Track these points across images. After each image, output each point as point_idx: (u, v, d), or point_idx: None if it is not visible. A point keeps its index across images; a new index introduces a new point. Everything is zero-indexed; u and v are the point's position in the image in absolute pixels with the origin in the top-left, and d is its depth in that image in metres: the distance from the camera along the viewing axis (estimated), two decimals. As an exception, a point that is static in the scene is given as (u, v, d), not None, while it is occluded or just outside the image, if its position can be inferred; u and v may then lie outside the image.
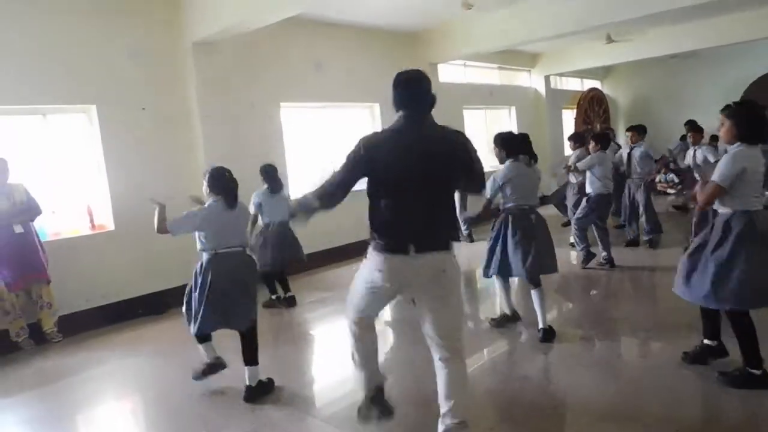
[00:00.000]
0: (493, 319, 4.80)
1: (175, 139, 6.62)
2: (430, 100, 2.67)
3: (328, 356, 4.70)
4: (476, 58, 11.33)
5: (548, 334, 4.28)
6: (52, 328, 5.45)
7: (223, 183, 3.70)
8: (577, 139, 7.73)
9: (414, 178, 2.53)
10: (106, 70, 6.05)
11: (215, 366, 3.90)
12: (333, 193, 2.61)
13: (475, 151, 2.73)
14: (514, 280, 5.08)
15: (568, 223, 7.96)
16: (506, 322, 4.75)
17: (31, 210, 5.29)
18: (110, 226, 6.16)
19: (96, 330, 5.63)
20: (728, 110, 3.26)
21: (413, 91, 2.66)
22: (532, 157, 4.56)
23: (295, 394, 3.79)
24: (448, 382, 2.62)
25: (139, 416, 3.88)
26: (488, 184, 4.22)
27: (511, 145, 4.50)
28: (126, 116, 6.20)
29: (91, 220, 6.24)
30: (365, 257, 2.73)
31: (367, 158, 2.55)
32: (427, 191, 2.56)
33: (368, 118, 9.38)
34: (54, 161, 6.00)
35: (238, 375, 3.80)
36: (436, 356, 2.67)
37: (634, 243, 7.46)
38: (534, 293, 4.33)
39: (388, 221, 2.58)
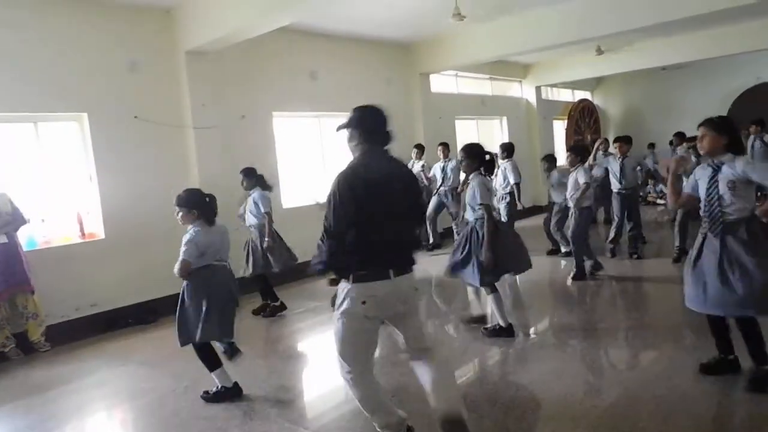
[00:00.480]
0: (485, 328, 4.79)
1: (168, 148, 6.61)
2: (391, 136, 2.86)
3: (319, 366, 4.68)
4: (468, 69, 11.41)
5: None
6: (39, 338, 5.40)
7: (201, 202, 3.77)
8: (578, 152, 7.26)
9: (389, 209, 2.70)
10: (98, 79, 6.05)
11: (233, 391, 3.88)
12: (341, 232, 2.66)
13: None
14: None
15: (553, 251, 8.01)
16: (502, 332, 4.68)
17: (15, 220, 5.25)
18: (101, 234, 6.12)
19: (86, 339, 5.59)
20: (710, 123, 3.37)
21: (380, 127, 2.82)
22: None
23: (286, 405, 3.78)
24: (437, 374, 2.84)
25: (129, 427, 3.84)
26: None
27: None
28: (118, 125, 6.19)
29: (81, 229, 6.20)
30: (337, 306, 2.75)
31: (351, 193, 2.64)
32: (399, 219, 2.76)
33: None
34: (45, 169, 5.96)
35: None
36: (419, 357, 2.89)
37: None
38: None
39: (371, 252, 2.68)
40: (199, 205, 3.74)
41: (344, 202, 2.64)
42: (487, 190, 4.44)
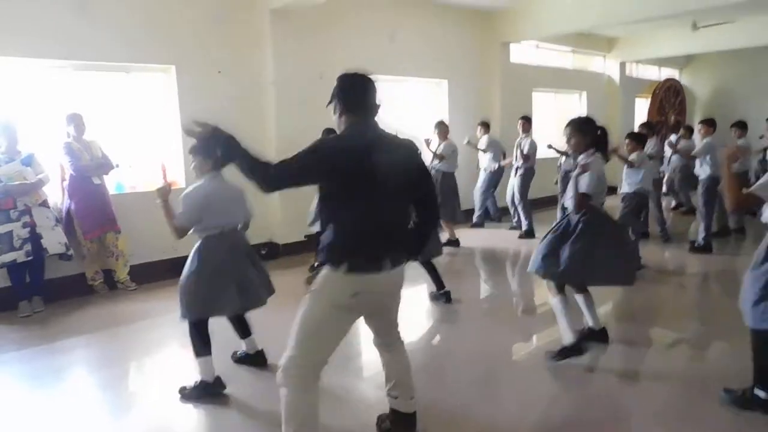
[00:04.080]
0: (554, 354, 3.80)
1: (248, 104, 6.82)
2: (379, 105, 2.49)
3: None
4: (550, 40, 11.00)
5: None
6: (125, 278, 5.78)
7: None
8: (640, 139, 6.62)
9: (382, 187, 2.33)
10: (187, 32, 6.26)
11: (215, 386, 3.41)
12: (281, 182, 2.36)
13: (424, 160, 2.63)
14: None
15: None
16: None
17: (106, 164, 5.59)
18: (182, 183, 6.40)
19: (167, 280, 5.89)
20: None
21: (366, 93, 2.44)
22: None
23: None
24: (399, 365, 2.76)
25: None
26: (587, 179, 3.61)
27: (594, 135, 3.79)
28: (203, 78, 6.41)
29: (164, 177, 6.47)
30: (316, 287, 2.40)
31: (329, 167, 2.29)
32: (394, 200, 2.42)
33: (435, 93, 9.31)
34: (134, 118, 6.27)
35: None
36: (383, 345, 2.77)
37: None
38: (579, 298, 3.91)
39: (362, 236, 2.34)
40: (214, 154, 3.12)
41: (305, 166, 2.30)
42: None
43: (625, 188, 6.10)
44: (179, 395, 3.36)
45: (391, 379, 2.77)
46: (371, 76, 2.48)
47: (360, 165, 2.29)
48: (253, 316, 3.72)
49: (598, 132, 3.76)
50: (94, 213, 5.44)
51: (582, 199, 3.56)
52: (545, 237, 3.77)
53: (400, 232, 2.49)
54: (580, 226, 3.60)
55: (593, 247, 3.53)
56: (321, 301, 2.37)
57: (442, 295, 5.08)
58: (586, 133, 3.71)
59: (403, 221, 2.52)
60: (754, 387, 2.98)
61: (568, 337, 3.69)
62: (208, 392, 3.33)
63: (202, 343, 3.33)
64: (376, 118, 2.48)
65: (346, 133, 2.44)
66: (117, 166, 5.77)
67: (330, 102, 2.48)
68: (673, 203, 10.10)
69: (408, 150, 2.53)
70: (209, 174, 3.29)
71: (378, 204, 2.34)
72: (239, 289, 3.28)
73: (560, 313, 3.71)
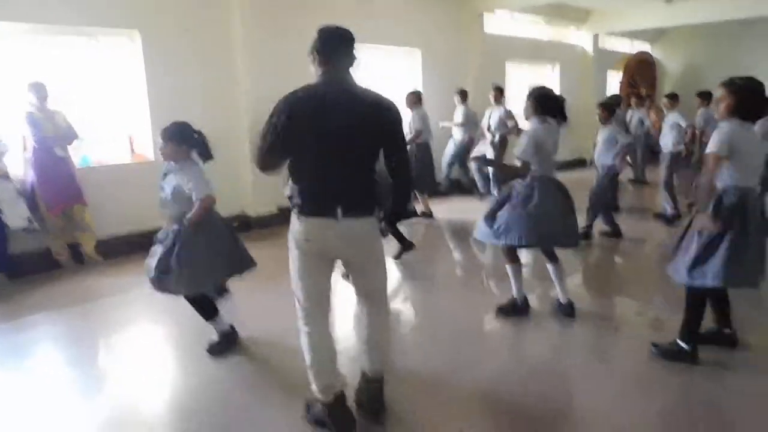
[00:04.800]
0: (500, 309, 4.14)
1: (217, 66, 6.65)
2: (354, 58, 2.52)
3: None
4: (525, 10, 10.92)
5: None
6: (92, 252, 5.64)
7: (191, 137, 3.42)
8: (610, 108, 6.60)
9: (340, 137, 2.39)
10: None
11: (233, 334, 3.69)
12: (264, 161, 2.48)
13: (401, 121, 2.59)
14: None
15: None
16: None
17: (69, 135, 5.38)
18: (150, 156, 6.23)
19: (134, 255, 5.77)
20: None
21: (339, 46, 2.48)
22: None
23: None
24: (371, 330, 2.74)
25: (172, 339, 4.01)
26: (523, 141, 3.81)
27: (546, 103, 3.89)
28: (169, 42, 6.20)
29: (132, 149, 6.33)
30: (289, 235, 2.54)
31: (286, 117, 2.36)
32: (354, 152, 2.45)
33: (409, 63, 9.19)
34: (98, 87, 6.04)
35: (257, 319, 3.87)
36: (363, 309, 2.76)
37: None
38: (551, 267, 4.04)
39: (315, 183, 2.46)
40: (189, 140, 3.39)
41: (279, 129, 2.36)
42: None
43: (608, 161, 6.14)
44: (210, 354, 3.51)
45: (363, 341, 2.77)
46: (349, 32, 2.53)
47: (313, 113, 2.37)
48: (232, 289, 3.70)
49: (553, 100, 3.88)
50: (57, 186, 5.26)
51: (521, 165, 3.78)
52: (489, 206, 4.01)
53: (356, 184, 2.50)
54: (517, 191, 3.82)
55: (532, 211, 3.71)
56: (290, 244, 2.57)
57: (407, 247, 5.35)
58: (530, 101, 3.88)
59: (360, 175, 2.52)
60: (677, 339, 3.29)
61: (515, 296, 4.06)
62: (231, 340, 3.60)
63: (209, 308, 3.55)
64: (352, 75, 2.51)
65: (311, 84, 2.47)
66: (78, 137, 5.53)
67: (309, 53, 2.52)
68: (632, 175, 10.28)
69: (377, 108, 2.50)
70: (184, 160, 3.41)
71: (328, 153, 2.42)
72: (230, 260, 3.52)
73: (512, 278, 4.03)
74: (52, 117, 5.28)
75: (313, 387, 2.61)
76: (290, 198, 2.52)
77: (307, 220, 2.47)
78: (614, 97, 8.05)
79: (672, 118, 7.23)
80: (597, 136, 6.36)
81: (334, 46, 2.47)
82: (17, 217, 4.95)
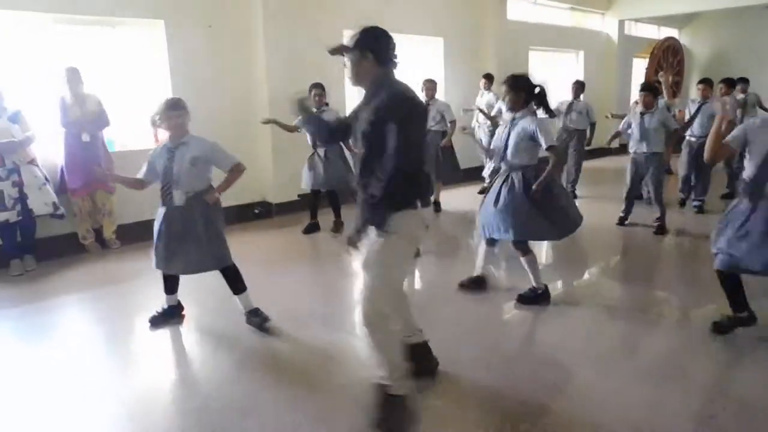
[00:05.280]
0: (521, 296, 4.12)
1: (238, 59, 6.71)
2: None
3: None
4: (549, -4, 10.77)
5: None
6: (111, 236, 5.76)
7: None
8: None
9: (422, 133, 2.70)
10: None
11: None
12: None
13: None
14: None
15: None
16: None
17: (100, 120, 5.48)
18: (172, 142, 6.31)
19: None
20: None
21: (393, 50, 2.57)
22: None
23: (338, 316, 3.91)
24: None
25: (192, 319, 4.08)
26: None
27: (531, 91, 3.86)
28: (192, 33, 6.26)
29: (155, 135, 6.41)
30: (390, 228, 2.43)
31: (420, 118, 2.61)
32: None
33: (431, 51, 9.12)
34: (123, 74, 6.13)
35: (280, 300, 3.92)
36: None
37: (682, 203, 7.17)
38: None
39: (425, 175, 2.62)
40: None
41: (417, 127, 2.52)
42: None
43: (659, 148, 5.91)
44: (259, 329, 3.62)
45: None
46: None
47: (424, 109, 2.67)
48: (249, 274, 3.76)
49: (536, 90, 3.83)
50: (81, 170, 5.34)
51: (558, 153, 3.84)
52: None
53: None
54: (504, 185, 3.88)
55: (516, 205, 3.77)
56: (398, 239, 2.47)
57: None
58: (520, 91, 3.80)
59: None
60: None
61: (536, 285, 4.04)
62: (262, 316, 3.68)
63: (241, 279, 3.68)
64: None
65: (400, 86, 2.53)
66: (110, 124, 5.63)
67: (354, 50, 2.49)
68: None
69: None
70: (189, 134, 3.62)
71: (424, 145, 2.69)
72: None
73: (529, 269, 4.03)
74: (84, 102, 5.38)
75: (390, 377, 2.49)
76: (395, 193, 2.40)
77: (422, 210, 2.56)
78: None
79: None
80: (630, 123, 6.06)
81: (392, 46, 2.56)
82: (41, 203, 5.03)
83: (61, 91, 5.33)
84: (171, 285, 3.80)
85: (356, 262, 2.57)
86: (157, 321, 3.81)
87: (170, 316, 3.85)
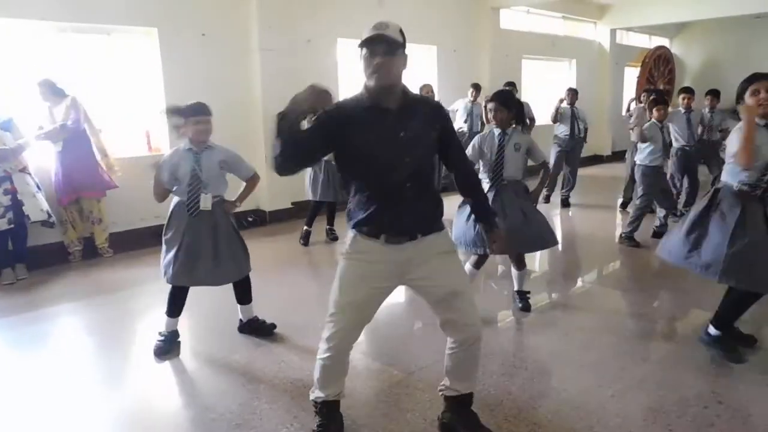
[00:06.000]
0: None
1: (233, 68, 6.70)
2: None
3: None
4: (540, 5, 10.84)
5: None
6: (103, 243, 5.70)
7: None
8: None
9: None
10: (170, -7, 6.06)
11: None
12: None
13: None
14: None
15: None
16: None
17: (64, 129, 5.24)
18: (166, 149, 6.28)
19: (148, 248, 5.85)
20: None
21: None
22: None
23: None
24: None
25: (188, 330, 4.05)
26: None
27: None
28: (186, 42, 6.26)
29: (149, 143, 6.40)
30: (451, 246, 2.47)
31: None
32: None
33: (425, 60, 9.17)
34: (116, 82, 6.12)
35: (278, 309, 3.90)
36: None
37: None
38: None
39: None
40: None
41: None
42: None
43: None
44: (260, 336, 3.65)
45: None
46: None
47: None
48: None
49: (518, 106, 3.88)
50: (63, 179, 5.30)
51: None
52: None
53: None
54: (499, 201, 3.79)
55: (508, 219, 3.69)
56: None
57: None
58: (511, 108, 3.75)
59: None
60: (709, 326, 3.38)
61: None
62: (265, 323, 3.72)
63: (250, 289, 3.67)
64: None
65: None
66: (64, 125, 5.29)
67: (403, 47, 2.19)
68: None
69: None
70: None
71: None
72: None
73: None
74: (51, 113, 5.29)
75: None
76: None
77: None
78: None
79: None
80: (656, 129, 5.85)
81: None
82: (37, 210, 5.01)
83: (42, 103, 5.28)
84: (180, 305, 3.48)
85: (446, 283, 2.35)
86: (162, 351, 3.47)
87: (172, 342, 3.54)
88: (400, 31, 2.19)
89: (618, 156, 11.66)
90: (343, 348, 2.37)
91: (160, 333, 3.52)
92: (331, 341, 2.34)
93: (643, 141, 5.70)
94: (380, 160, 2.19)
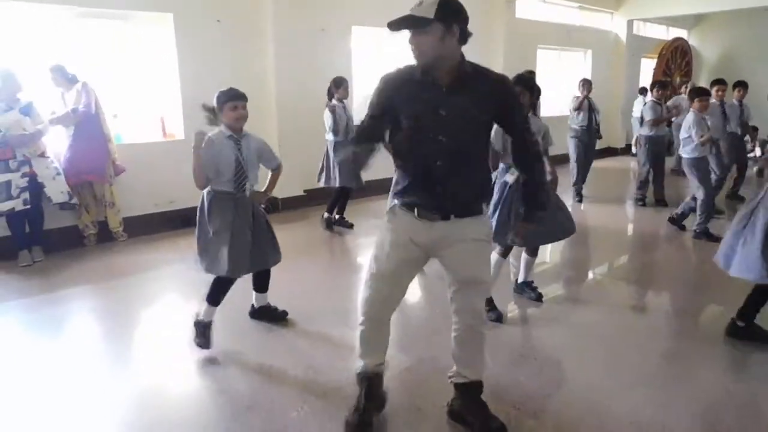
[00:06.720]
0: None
1: (248, 55, 6.71)
2: None
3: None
4: (557, -5, 10.74)
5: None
6: (117, 228, 5.76)
7: None
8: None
9: None
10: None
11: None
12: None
13: None
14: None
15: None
16: None
17: (75, 113, 5.27)
18: (180, 135, 6.34)
19: (162, 233, 5.93)
20: None
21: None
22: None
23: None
24: None
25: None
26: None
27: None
28: (201, 28, 6.27)
29: (163, 128, 6.45)
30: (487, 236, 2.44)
31: None
32: None
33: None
34: (132, 67, 6.16)
35: (290, 296, 3.94)
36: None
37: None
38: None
39: None
40: None
41: None
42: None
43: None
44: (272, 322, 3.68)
45: None
46: None
47: None
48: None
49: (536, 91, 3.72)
50: (70, 161, 5.34)
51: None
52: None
53: None
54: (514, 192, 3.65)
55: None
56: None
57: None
58: (533, 92, 3.62)
59: None
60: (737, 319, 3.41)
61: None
62: (277, 310, 3.76)
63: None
64: None
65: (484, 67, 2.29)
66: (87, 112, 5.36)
67: (437, 22, 2.10)
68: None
69: None
70: None
71: None
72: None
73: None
74: (63, 97, 5.36)
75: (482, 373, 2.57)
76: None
77: None
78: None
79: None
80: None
81: (467, 22, 2.22)
82: (58, 192, 5.10)
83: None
84: (225, 293, 3.37)
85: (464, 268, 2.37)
86: (206, 341, 3.31)
87: (211, 330, 3.37)
88: (440, 3, 2.09)
89: (629, 149, 11.62)
90: (377, 317, 2.45)
91: (199, 323, 3.32)
92: (364, 308, 2.44)
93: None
94: (415, 136, 2.19)
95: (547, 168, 3.93)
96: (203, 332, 3.31)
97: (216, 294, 3.33)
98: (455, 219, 2.28)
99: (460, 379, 2.55)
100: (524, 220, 2.62)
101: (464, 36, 2.18)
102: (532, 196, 2.55)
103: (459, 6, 2.18)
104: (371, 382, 2.54)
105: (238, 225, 3.24)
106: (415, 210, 2.30)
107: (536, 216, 2.56)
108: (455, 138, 2.19)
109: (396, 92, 2.24)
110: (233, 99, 3.24)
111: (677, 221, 6.11)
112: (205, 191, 3.31)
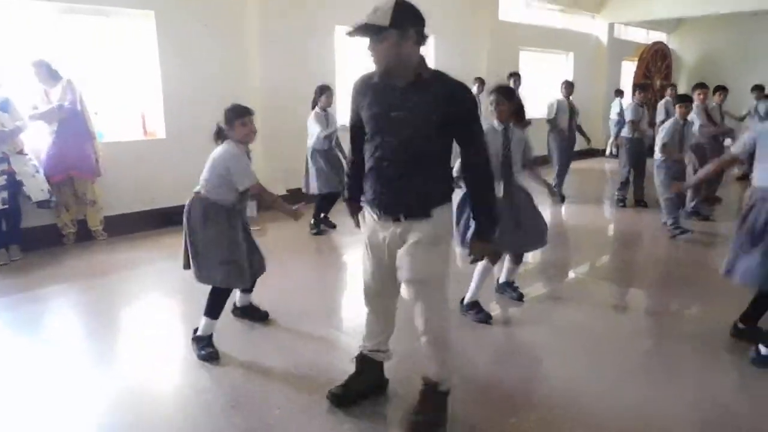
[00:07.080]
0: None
1: (231, 56, 6.66)
2: None
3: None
4: (540, -3, 10.85)
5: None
6: (97, 226, 5.68)
7: None
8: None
9: None
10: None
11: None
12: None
13: None
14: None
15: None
16: None
17: (61, 109, 5.20)
18: (161, 134, 6.28)
19: (143, 232, 5.87)
20: None
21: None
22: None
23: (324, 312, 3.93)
24: None
25: (180, 315, 4.08)
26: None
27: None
28: (183, 26, 6.22)
29: (144, 126, 6.39)
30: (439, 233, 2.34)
31: None
32: None
33: (422, 49, 9.11)
34: (113, 64, 6.08)
35: (273, 295, 3.93)
36: None
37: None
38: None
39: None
40: None
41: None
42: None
43: None
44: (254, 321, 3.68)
45: None
46: None
47: None
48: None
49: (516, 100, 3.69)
50: (54, 157, 5.25)
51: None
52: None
53: None
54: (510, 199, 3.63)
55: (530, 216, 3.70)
56: (449, 235, 2.50)
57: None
58: (512, 100, 3.58)
59: None
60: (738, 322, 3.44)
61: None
62: (260, 311, 3.75)
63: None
64: None
65: (443, 73, 2.27)
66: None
67: (392, 28, 2.09)
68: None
69: None
70: None
71: None
72: None
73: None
74: (46, 93, 5.26)
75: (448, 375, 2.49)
76: (448, 192, 2.41)
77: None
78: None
79: None
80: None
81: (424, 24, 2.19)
82: (38, 190, 5.03)
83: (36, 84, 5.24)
84: (224, 305, 3.35)
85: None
86: (213, 352, 3.22)
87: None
88: (394, 9, 2.09)
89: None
90: (373, 309, 2.61)
91: (201, 338, 3.26)
92: (364, 299, 2.61)
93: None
94: (369, 136, 2.31)
95: (538, 177, 3.95)
96: (208, 344, 3.24)
97: (216, 307, 3.27)
98: (405, 220, 2.31)
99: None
100: (476, 238, 2.48)
101: (421, 38, 2.20)
102: (477, 211, 2.47)
103: (414, 10, 2.19)
104: (363, 362, 2.69)
105: (244, 238, 3.29)
106: (372, 211, 2.40)
107: (488, 236, 2.41)
108: (403, 139, 2.23)
109: (362, 97, 2.33)
110: (242, 115, 3.25)
111: (677, 228, 5.92)
112: (197, 199, 3.31)
